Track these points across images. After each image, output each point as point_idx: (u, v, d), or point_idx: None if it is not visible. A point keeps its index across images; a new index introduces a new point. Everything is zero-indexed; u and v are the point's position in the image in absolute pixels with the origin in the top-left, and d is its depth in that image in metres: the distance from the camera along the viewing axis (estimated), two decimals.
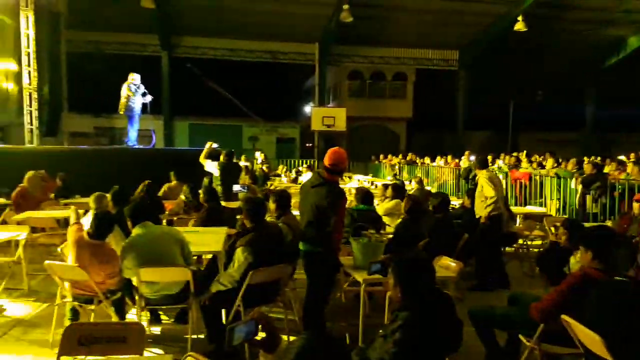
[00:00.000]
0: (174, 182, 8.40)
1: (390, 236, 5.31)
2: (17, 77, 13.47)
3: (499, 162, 13.64)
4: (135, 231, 3.99)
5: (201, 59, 21.69)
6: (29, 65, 13.04)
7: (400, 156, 20.77)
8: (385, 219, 6.32)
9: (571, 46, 22.31)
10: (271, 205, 4.59)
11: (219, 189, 7.34)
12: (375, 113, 25.76)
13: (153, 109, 11.60)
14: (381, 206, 6.80)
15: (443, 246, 4.72)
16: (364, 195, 5.61)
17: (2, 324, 4.53)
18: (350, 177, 16.24)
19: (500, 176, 11.48)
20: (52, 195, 8.42)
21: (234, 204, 7.08)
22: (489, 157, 14.26)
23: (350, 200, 6.17)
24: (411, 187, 9.60)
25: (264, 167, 14.67)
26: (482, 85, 24.27)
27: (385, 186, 7.70)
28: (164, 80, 22.18)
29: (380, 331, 2.47)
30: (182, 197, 7.02)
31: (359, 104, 25.12)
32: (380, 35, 21.82)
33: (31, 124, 13.04)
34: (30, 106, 13.06)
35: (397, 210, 6.52)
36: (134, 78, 10.80)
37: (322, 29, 20.96)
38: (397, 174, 16.91)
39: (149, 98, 11.03)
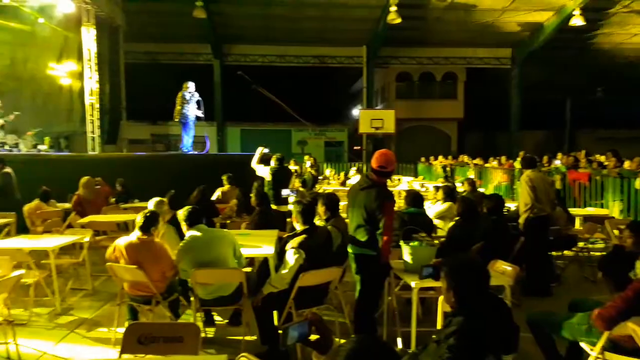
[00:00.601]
0: (226, 187, 8.60)
1: (442, 240, 5.21)
2: (80, 89, 14.24)
3: (556, 162, 13.09)
4: (190, 234, 4.13)
5: (251, 65, 22.15)
6: (91, 77, 13.78)
7: (450, 157, 20.36)
8: (437, 222, 6.20)
9: (632, 38, 21.12)
10: (320, 208, 4.62)
11: (270, 192, 7.45)
12: (424, 114, 25.40)
13: (206, 115, 11.94)
14: (433, 209, 6.68)
15: (498, 250, 4.58)
16: (414, 198, 5.52)
17: (68, 322, 4.80)
18: (399, 180, 16.07)
19: (558, 177, 11.06)
20: (113, 200, 8.82)
21: (284, 208, 7.17)
22: (545, 157, 13.74)
23: (400, 203, 6.11)
24: (463, 189, 9.38)
25: (313, 171, 14.76)
26: (536, 83, 23.40)
27: (437, 188, 7.57)
28: (216, 87, 22.81)
29: (434, 336, 2.43)
30: (235, 201, 7.18)
31: (407, 106, 24.86)
32: (429, 35, 21.50)
33: (93, 133, 13.77)
34: (92, 116, 13.80)
35: (449, 213, 6.38)
36: (188, 86, 11.14)
37: (369, 31, 20.91)
38: (449, 175, 16.57)
39: (201, 113, 11.35)
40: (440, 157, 20.25)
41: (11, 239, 5.70)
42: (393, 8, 16.76)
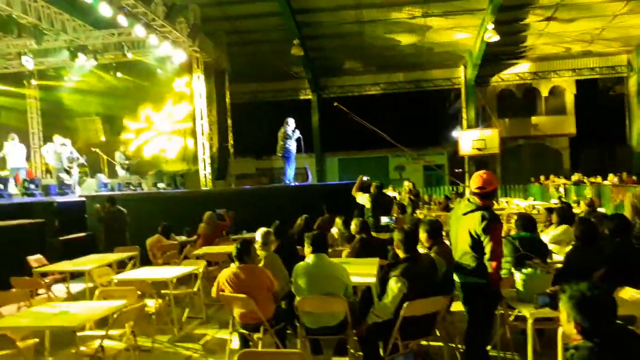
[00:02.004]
0: (326, 215, 8.71)
1: (559, 266, 4.81)
2: (192, 131, 15.51)
3: None
4: (312, 259, 4.17)
5: (347, 96, 22.63)
6: (202, 119, 14.98)
7: (562, 176, 18.96)
8: (553, 247, 5.76)
9: None
10: (422, 235, 4.50)
11: (369, 220, 7.43)
12: (530, 131, 23.99)
13: (306, 147, 12.30)
14: (547, 233, 6.23)
15: (626, 275, 4.12)
16: (526, 222, 5.17)
17: (186, 349, 5.10)
18: (507, 202, 15.20)
19: None
20: (224, 232, 9.34)
21: (385, 235, 7.09)
22: None
23: (510, 227, 5.78)
24: (580, 210, 8.64)
25: (412, 196, 14.50)
26: None
27: (550, 211, 7.05)
28: (314, 120, 23.54)
29: None
30: (336, 229, 7.25)
31: (511, 124, 23.69)
32: (530, 50, 20.49)
33: (205, 170, 14.86)
34: (204, 155, 14.93)
35: (566, 237, 5.90)
36: (289, 122, 11.59)
37: (466, 51, 20.43)
38: (563, 196, 15.39)
39: (300, 147, 11.72)
40: (552, 176, 18.92)
41: (136, 270, 6.25)
42: (490, 26, 16.23)
